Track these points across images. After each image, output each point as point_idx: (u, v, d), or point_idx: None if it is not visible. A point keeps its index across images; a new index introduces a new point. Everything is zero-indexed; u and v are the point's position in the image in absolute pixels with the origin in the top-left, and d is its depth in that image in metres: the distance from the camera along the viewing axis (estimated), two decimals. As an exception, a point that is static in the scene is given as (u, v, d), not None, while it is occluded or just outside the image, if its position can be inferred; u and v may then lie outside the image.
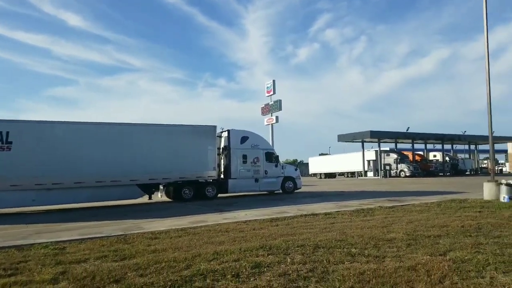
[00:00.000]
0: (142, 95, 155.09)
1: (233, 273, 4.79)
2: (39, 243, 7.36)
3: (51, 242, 7.46)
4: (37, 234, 9.04)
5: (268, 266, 5.02)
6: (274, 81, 36.83)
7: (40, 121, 15.33)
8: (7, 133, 14.29)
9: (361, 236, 6.78)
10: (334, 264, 5.00)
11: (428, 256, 5.20)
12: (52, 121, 15.44)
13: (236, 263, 5.22)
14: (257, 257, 5.54)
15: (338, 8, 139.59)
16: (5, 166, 14.17)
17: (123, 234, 8.16)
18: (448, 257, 5.17)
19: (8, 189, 14.20)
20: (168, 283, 4.51)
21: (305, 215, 10.13)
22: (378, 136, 46.44)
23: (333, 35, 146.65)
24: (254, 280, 4.51)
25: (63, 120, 15.71)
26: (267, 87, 37.26)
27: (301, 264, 5.05)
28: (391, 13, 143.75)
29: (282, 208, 12.82)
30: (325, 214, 10.32)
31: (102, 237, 7.98)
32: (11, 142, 14.33)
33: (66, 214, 13.93)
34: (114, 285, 4.53)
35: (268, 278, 4.56)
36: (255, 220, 9.64)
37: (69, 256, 6.17)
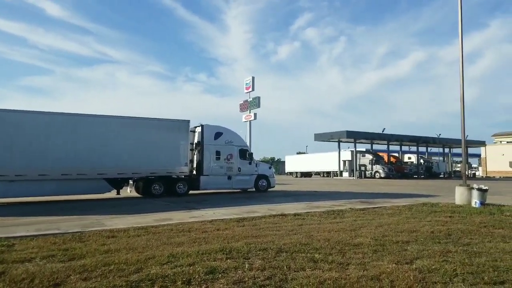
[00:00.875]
0: (121, 88, 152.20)
1: (184, 279, 4.42)
2: (-14, 239, 6.85)
3: (0, 238, 6.96)
4: (-10, 228, 8.47)
5: (224, 272, 4.68)
6: (253, 77, 36.45)
7: (4, 109, 14.49)
8: None
9: (327, 240, 6.52)
10: (295, 271, 4.69)
11: (394, 265, 4.96)
12: (16, 110, 14.64)
13: (190, 267, 4.85)
14: (214, 261, 5.19)
15: (319, 7, 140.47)
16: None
17: (79, 232, 7.69)
18: (414, 265, 4.94)
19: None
20: (112, 289, 4.13)
21: (274, 216, 9.84)
22: (354, 136, 46.75)
23: (313, 34, 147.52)
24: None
25: (35, 110, 14.96)
26: (246, 84, 36.86)
27: (259, 271, 4.73)
28: (371, 14, 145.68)
29: (252, 207, 12.51)
30: (295, 215, 10.05)
31: (56, 234, 7.52)
32: (-31, 130, 13.54)
33: (28, 207, 13.29)
34: (53, 290, 4.14)
35: (221, 286, 4.22)
36: (222, 219, 9.28)
37: (15, 255, 5.74)
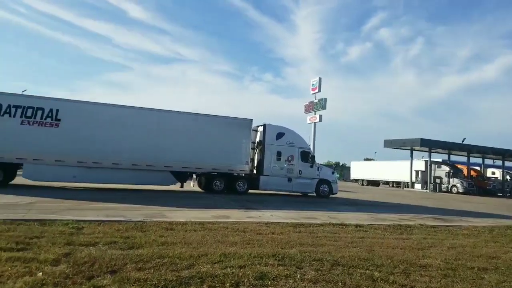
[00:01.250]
0: (191, 85, 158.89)
1: (233, 281, 4.28)
2: (61, 220, 7.41)
3: (72, 220, 7.48)
4: (67, 210, 9.23)
5: (274, 279, 4.45)
6: (320, 78, 35.61)
7: (87, 101, 15.86)
8: (57, 110, 14.98)
9: (390, 257, 5.99)
10: (350, 289, 4.33)
11: (466, 295, 4.37)
12: (97, 103, 15.95)
13: (241, 270, 4.70)
14: (265, 266, 4.99)
15: (394, 6, 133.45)
16: (52, 141, 14.87)
17: (141, 221, 7.95)
18: (492, 299, 4.31)
19: (52, 163, 14.85)
20: (162, 282, 4.14)
21: (334, 224, 9.36)
22: (430, 145, 43.55)
23: (387, 34, 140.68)
24: (253, 294, 3.99)
25: (112, 103, 16.14)
26: (313, 85, 36.10)
27: (311, 283, 4.43)
28: (452, 14, 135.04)
29: (311, 213, 12.09)
30: (356, 226, 9.46)
31: (121, 221, 7.87)
32: (59, 120, 14.98)
33: (102, 193, 14.22)
34: (109, 276, 4.27)
35: (269, 294, 4.01)
36: (278, 223, 9.03)
37: (82, 238, 6.08)
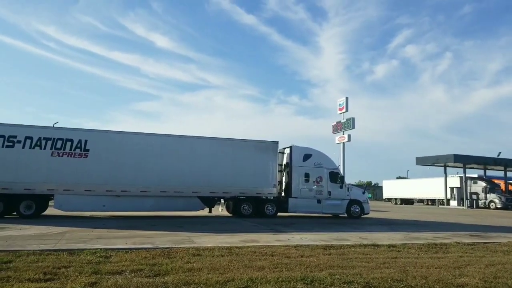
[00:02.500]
0: (218, 111, 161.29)
1: (259, 307, 4.17)
2: (89, 249, 7.53)
3: (100, 249, 7.58)
4: (96, 239, 9.36)
5: (301, 304, 4.31)
6: (347, 98, 35.47)
7: (114, 131, 16.34)
8: (86, 141, 15.42)
9: (425, 278, 5.70)
10: (382, 312, 4.12)
11: (508, 316, 4.07)
12: (124, 132, 16.37)
13: (267, 295, 4.59)
14: (293, 290, 4.85)
15: (419, 23, 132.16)
16: (81, 172, 15.25)
17: (168, 248, 7.98)
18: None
19: (82, 193, 15.21)
20: (188, 309, 4.07)
21: (365, 245, 9.06)
22: (464, 160, 42.05)
23: (414, 51, 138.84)
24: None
25: (137, 131, 16.59)
26: (340, 105, 35.97)
27: (341, 307, 4.26)
28: (480, 28, 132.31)
29: (342, 234, 11.76)
30: (389, 246, 9.12)
31: (149, 248, 7.92)
32: (88, 150, 15.40)
33: (130, 221, 14.39)
34: (135, 304, 4.23)
35: (296, 320, 3.87)
36: (307, 245, 8.84)
37: (109, 266, 6.14)
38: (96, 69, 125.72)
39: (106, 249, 7.57)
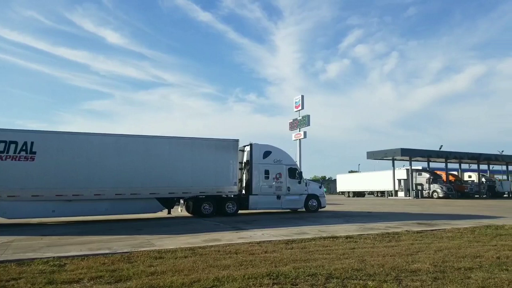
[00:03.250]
0: (175, 109, 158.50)
1: (228, 305, 4.23)
2: (41, 258, 7.10)
3: (53, 257, 7.20)
4: (47, 247, 8.87)
5: (270, 299, 4.43)
6: (302, 96, 36.26)
7: (63, 132, 15.50)
8: (32, 143, 14.45)
9: (381, 266, 6.04)
10: (346, 301, 4.34)
11: (457, 295, 4.44)
12: (74, 132, 15.58)
13: (235, 293, 4.66)
14: (260, 286, 4.96)
15: (368, 24, 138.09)
16: (28, 176, 14.29)
17: (128, 252, 7.78)
18: (481, 296, 4.38)
19: (29, 199, 14.29)
20: (155, 313, 4.04)
21: (325, 238, 9.39)
22: (410, 154, 44.60)
23: (364, 51, 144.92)
24: (251, 316, 3.94)
25: (89, 131, 15.85)
26: (296, 102, 36.71)
27: (307, 299, 4.42)
28: (423, 28, 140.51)
29: (302, 228, 12.11)
30: (346, 237, 9.53)
31: (107, 254, 7.65)
32: (35, 153, 14.50)
33: (84, 226, 13.82)
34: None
35: (266, 314, 3.97)
36: (270, 241, 9.00)
37: (65, 275, 5.85)
38: (41, 66, 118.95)
39: (59, 257, 7.19)
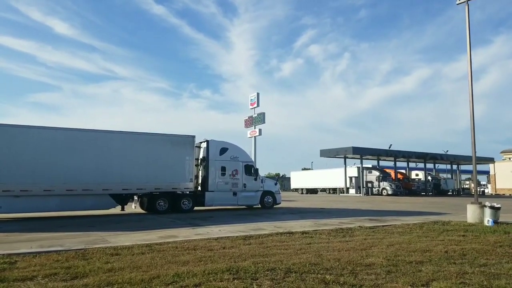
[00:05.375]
0: (126, 104, 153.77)
1: (190, 301, 4.24)
2: (-11, 256, 6.71)
3: (3, 255, 6.85)
4: (-6, 245, 8.35)
5: (231, 294, 4.48)
6: (258, 93, 36.49)
7: (11, 125, 14.54)
8: None
9: (337, 260, 6.29)
10: (305, 293, 4.49)
11: (409, 287, 4.73)
12: (23, 125, 14.71)
13: (197, 288, 4.67)
14: (221, 281, 5.00)
15: (322, 24, 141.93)
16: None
17: (83, 249, 7.53)
18: (431, 288, 4.71)
19: (-29, 195, 13.35)
20: (115, 310, 3.97)
21: (281, 233, 9.60)
22: (361, 152, 46.37)
23: (317, 51, 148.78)
24: (213, 311, 3.98)
25: (40, 125, 15.02)
26: (251, 100, 36.89)
27: (268, 292, 4.53)
28: (374, 31, 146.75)
29: (258, 224, 12.27)
30: (302, 233, 9.80)
31: (59, 251, 7.37)
32: (-24, 146, 13.54)
33: (33, 223, 13.16)
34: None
35: (229, 308, 4.03)
36: (227, 237, 9.06)
37: (16, 272, 5.60)
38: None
39: (9, 255, 6.87)
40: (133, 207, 17.65)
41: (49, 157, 14.68)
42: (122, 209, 16.71)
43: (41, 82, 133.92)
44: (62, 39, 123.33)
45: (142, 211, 17.48)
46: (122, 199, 16.45)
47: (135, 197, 17.38)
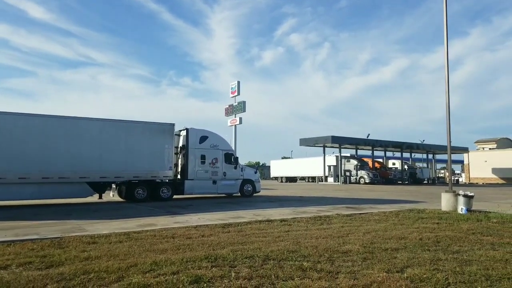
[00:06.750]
0: (105, 91, 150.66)
1: (168, 288, 4.23)
2: (-40, 245, 6.54)
3: (-25, 243, 6.65)
4: (-36, 233, 8.11)
5: (209, 281, 4.49)
6: (238, 82, 36.38)
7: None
8: None
9: (315, 247, 6.39)
10: (283, 281, 4.54)
11: (384, 273, 4.84)
12: (-4, 112, 14.19)
13: (174, 276, 4.66)
14: (199, 269, 5.00)
15: (303, 13, 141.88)
16: None
17: (59, 237, 7.39)
18: (405, 274, 4.81)
19: None
20: (91, 299, 3.93)
21: (260, 221, 9.67)
22: (339, 141, 46.99)
23: (297, 40, 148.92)
24: (190, 298, 3.99)
25: (13, 111, 14.53)
26: (232, 88, 36.76)
27: (246, 280, 4.55)
28: (353, 21, 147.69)
29: (237, 212, 12.33)
30: (281, 220, 9.90)
31: (35, 239, 7.22)
32: None
33: (7, 211, 12.84)
34: (28, 299, 3.93)
35: (206, 296, 4.05)
36: (206, 225, 9.07)
37: (-11, 261, 5.44)
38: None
39: (-18, 243, 6.70)
40: (111, 195, 17.43)
41: (24, 144, 14.30)
42: (100, 197, 16.49)
43: (15, 67, 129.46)
44: (37, 24, 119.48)
45: (121, 200, 17.28)
46: (100, 187, 16.23)
47: (113, 185, 17.15)
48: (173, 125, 17.63)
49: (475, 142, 79.35)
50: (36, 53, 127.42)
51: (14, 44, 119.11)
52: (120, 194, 17.35)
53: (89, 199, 16.18)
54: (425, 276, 4.73)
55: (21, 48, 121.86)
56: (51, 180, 14.66)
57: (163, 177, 17.36)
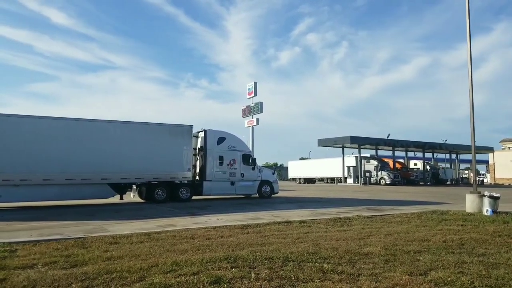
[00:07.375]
0: (124, 93, 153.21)
1: (189, 289, 4.26)
2: (-11, 245, 6.75)
3: (3, 243, 6.87)
4: (-6, 233, 8.40)
5: (229, 282, 4.50)
6: (255, 83, 36.42)
7: (9, 114, 14.51)
8: None
9: (335, 249, 6.33)
10: (303, 282, 4.51)
11: (407, 276, 4.74)
12: (21, 115, 14.67)
13: (195, 276, 4.69)
14: (219, 270, 5.03)
15: (319, 12, 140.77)
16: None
17: (82, 237, 7.56)
18: (429, 277, 4.71)
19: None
20: (114, 298, 4.00)
21: (279, 223, 9.64)
22: (359, 142, 46.40)
23: (314, 39, 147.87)
24: (211, 299, 4.01)
25: (38, 115, 14.99)
26: (249, 89, 36.82)
27: (266, 281, 4.55)
28: (371, 19, 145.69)
29: (256, 213, 12.33)
30: (300, 222, 9.84)
31: (59, 239, 7.41)
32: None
33: (32, 212, 13.24)
34: (53, 298, 4.02)
35: (227, 297, 4.06)
36: (225, 226, 9.10)
37: (17, 261, 5.64)
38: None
39: (9, 243, 6.89)
40: (131, 197, 17.70)
41: (48, 147, 14.71)
42: (121, 198, 16.77)
43: (39, 72, 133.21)
44: (58, 29, 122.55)
45: (141, 200, 17.54)
46: (121, 188, 16.51)
47: (134, 187, 17.42)
48: (191, 126, 17.80)
49: (501, 142, 77.10)
50: (58, 58, 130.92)
51: (38, 49, 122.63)
52: (140, 195, 17.61)
53: (110, 200, 16.48)
54: (449, 279, 4.62)
55: (44, 53, 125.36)
56: (73, 181, 15.01)
57: (182, 178, 17.54)
